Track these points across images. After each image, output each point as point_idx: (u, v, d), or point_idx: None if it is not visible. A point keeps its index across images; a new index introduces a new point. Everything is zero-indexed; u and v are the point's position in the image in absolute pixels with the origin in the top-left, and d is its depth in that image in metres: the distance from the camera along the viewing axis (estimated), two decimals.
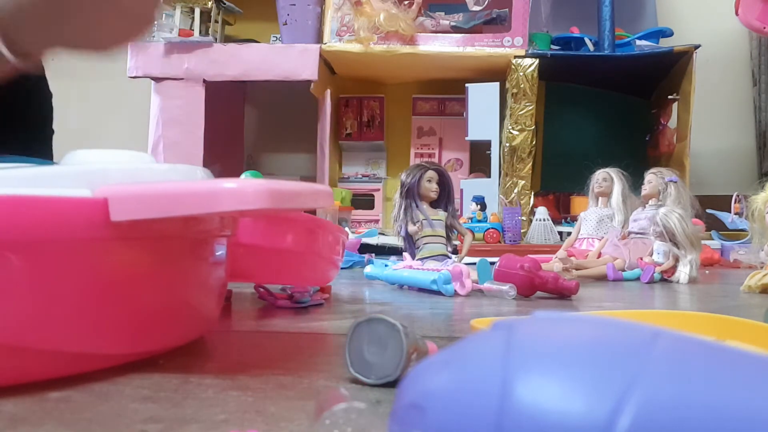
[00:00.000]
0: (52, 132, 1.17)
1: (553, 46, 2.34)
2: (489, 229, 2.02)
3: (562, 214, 2.42)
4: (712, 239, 1.98)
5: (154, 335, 0.49)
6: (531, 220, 2.15)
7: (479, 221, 2.04)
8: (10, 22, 0.59)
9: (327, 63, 2.36)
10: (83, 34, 0.64)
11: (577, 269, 1.43)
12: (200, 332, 0.58)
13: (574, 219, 1.92)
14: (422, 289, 1.05)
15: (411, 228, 1.26)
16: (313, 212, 0.59)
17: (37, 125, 1.14)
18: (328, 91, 2.36)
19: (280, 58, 2.23)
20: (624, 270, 1.42)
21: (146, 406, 0.38)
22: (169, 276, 0.48)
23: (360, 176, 2.65)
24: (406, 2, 2.28)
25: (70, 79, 2.75)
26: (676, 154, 2.29)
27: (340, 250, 0.83)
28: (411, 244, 1.28)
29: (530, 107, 2.23)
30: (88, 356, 0.44)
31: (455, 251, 1.32)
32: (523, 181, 2.27)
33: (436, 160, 2.56)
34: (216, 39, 2.30)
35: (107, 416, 0.36)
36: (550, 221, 2.11)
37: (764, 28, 2.01)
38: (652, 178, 1.61)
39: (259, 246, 0.65)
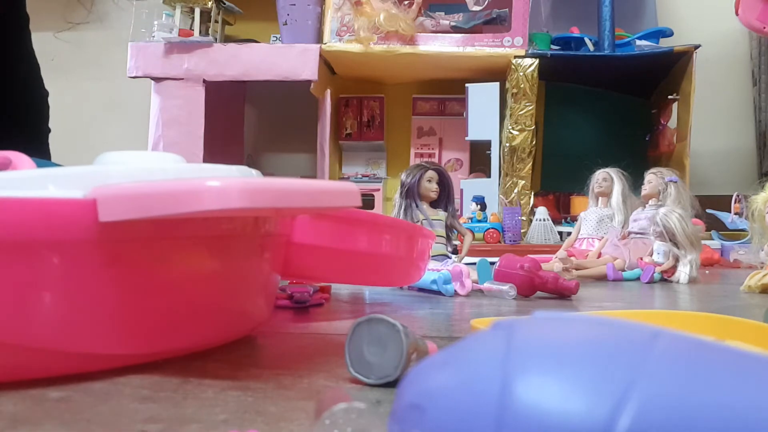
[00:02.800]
0: (49, 130, 1.17)
1: (553, 46, 2.34)
2: (489, 229, 2.02)
3: (562, 214, 2.42)
4: (712, 239, 1.98)
5: (191, 333, 0.49)
6: (531, 220, 2.15)
7: (479, 221, 2.04)
8: None
9: (327, 63, 2.36)
10: None
11: (577, 269, 1.42)
12: (245, 331, 0.59)
13: (574, 219, 1.92)
14: (422, 289, 1.05)
15: None
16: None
17: (31, 123, 1.14)
18: (328, 91, 2.36)
19: (280, 58, 2.23)
20: (624, 270, 1.42)
21: (146, 406, 0.38)
22: (193, 276, 0.49)
23: (360, 176, 2.65)
24: (406, 2, 2.28)
25: (71, 79, 2.76)
26: (676, 154, 2.29)
27: (428, 257, 0.88)
28: None
29: (530, 107, 2.23)
30: (84, 356, 0.44)
31: (455, 251, 1.32)
32: (523, 181, 2.27)
33: (436, 160, 2.56)
34: (216, 39, 2.30)
35: (107, 416, 0.36)
36: (550, 221, 2.11)
37: (764, 28, 2.00)
38: (652, 178, 1.61)
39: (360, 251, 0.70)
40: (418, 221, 1.26)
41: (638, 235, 1.54)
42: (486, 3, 2.30)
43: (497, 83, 2.27)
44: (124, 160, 0.50)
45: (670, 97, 2.33)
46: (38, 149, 1.02)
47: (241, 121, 2.80)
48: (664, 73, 2.38)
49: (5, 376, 0.42)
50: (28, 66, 1.12)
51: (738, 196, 2.08)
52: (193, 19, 2.31)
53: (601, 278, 1.40)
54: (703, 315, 0.63)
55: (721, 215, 2.08)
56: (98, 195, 0.41)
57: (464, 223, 1.99)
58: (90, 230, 0.41)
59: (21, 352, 0.41)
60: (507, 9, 2.28)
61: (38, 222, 0.40)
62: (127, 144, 2.63)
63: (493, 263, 1.05)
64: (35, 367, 0.43)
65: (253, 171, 0.56)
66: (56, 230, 0.41)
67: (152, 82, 2.26)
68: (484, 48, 2.24)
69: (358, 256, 0.71)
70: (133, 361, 0.46)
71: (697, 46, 2.20)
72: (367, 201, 2.62)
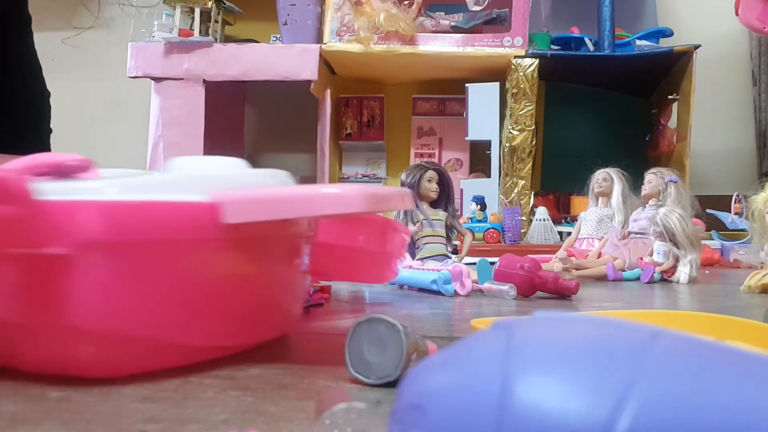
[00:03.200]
0: (50, 130, 1.16)
1: (553, 46, 2.34)
2: (489, 229, 2.02)
3: (562, 214, 2.42)
4: (712, 239, 1.98)
5: (254, 329, 0.52)
6: (531, 220, 2.15)
7: (479, 221, 2.03)
8: None
9: (327, 63, 2.36)
10: None
11: (577, 269, 1.42)
12: (286, 330, 0.60)
13: (574, 219, 1.92)
14: (422, 289, 1.05)
15: (411, 228, 1.26)
16: None
17: (32, 123, 1.14)
18: (328, 91, 2.36)
19: (280, 58, 2.23)
20: (624, 270, 1.42)
21: (146, 406, 0.38)
22: (269, 274, 0.52)
23: (360, 176, 2.65)
24: (406, 2, 2.28)
25: (71, 79, 2.76)
26: (676, 154, 2.29)
27: (404, 250, 0.86)
28: (411, 244, 1.28)
29: (530, 107, 2.23)
30: (196, 348, 0.47)
31: (455, 251, 1.32)
32: (523, 181, 2.26)
33: (436, 160, 2.56)
34: (216, 39, 2.29)
35: (107, 416, 0.36)
36: (550, 221, 2.11)
37: (764, 28, 2.00)
38: (652, 178, 1.61)
39: (335, 245, 0.69)
40: (418, 221, 1.26)
41: (638, 235, 1.54)
42: (486, 3, 2.30)
43: (497, 83, 2.27)
44: (198, 165, 0.54)
45: (670, 97, 2.33)
46: (39, 150, 1.02)
47: (241, 121, 2.80)
48: (664, 73, 2.38)
49: (133, 368, 0.44)
50: (29, 66, 1.12)
51: (738, 196, 2.08)
52: (193, 19, 2.31)
53: (601, 278, 1.40)
54: (703, 315, 0.63)
55: (721, 215, 2.08)
56: (222, 199, 0.45)
57: (464, 223, 1.99)
58: (212, 230, 0.45)
59: (152, 345, 0.44)
60: (507, 9, 2.28)
61: (173, 222, 0.44)
62: (127, 144, 2.63)
63: (493, 263, 1.05)
64: (160, 360, 0.45)
65: (283, 173, 0.58)
66: (187, 230, 0.45)
67: (152, 82, 2.26)
68: (484, 48, 2.24)
69: (332, 249, 0.71)
70: (221, 354, 0.49)
71: (697, 46, 2.20)
72: None
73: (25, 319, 0.41)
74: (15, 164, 0.45)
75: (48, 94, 1.16)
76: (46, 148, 1.12)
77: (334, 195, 0.45)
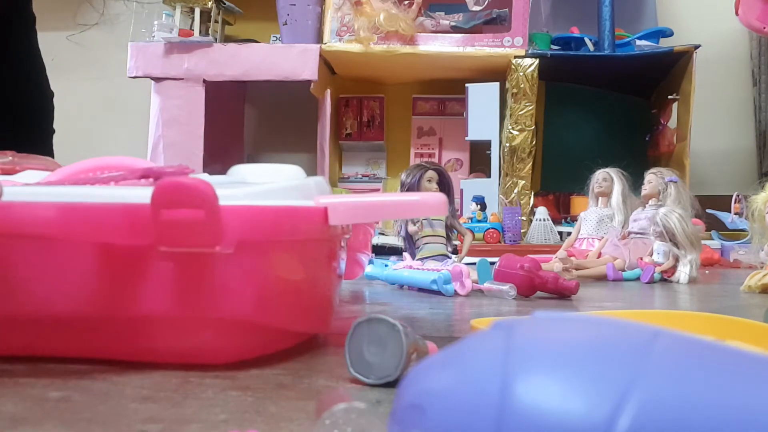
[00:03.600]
0: (53, 131, 1.16)
1: (553, 46, 2.34)
2: (489, 229, 2.02)
3: (562, 214, 2.42)
4: (712, 239, 1.98)
5: (323, 317, 0.57)
6: (531, 220, 2.15)
7: (479, 221, 2.03)
8: None
9: (327, 63, 2.36)
10: None
11: (577, 269, 1.42)
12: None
13: (574, 219, 1.92)
14: (422, 289, 1.05)
15: (411, 228, 1.26)
16: None
17: (36, 123, 1.13)
18: (328, 91, 2.36)
19: (280, 58, 2.23)
20: (624, 270, 1.42)
21: (146, 406, 0.38)
22: (333, 271, 0.59)
23: (360, 176, 2.65)
24: (406, 2, 2.28)
25: (71, 79, 2.76)
26: (676, 154, 2.29)
27: (369, 247, 0.89)
28: (411, 244, 1.28)
29: (530, 107, 2.23)
30: (293, 334, 0.53)
31: (455, 251, 1.32)
32: (523, 181, 2.26)
33: (436, 160, 2.56)
34: (216, 39, 2.29)
35: (107, 416, 0.36)
36: (550, 221, 2.11)
37: (764, 28, 2.00)
38: (652, 178, 1.61)
39: None
40: (418, 221, 1.26)
41: (638, 235, 1.54)
42: (486, 3, 2.30)
43: (497, 83, 2.27)
44: (258, 172, 0.59)
45: (670, 97, 2.33)
46: (42, 150, 1.02)
47: (241, 121, 2.80)
48: (664, 73, 2.38)
49: (255, 352, 0.49)
50: (33, 66, 1.11)
51: (738, 196, 2.08)
52: (193, 19, 2.31)
53: (601, 278, 1.40)
54: (703, 315, 0.63)
55: (721, 215, 2.08)
56: (328, 204, 0.51)
57: (464, 223, 1.99)
58: (318, 231, 0.51)
59: (269, 331, 0.49)
60: (507, 9, 2.28)
61: (294, 224, 0.49)
62: (127, 144, 2.63)
63: (493, 263, 1.05)
64: (268, 344, 0.51)
65: (319, 178, 0.63)
66: (303, 231, 0.50)
67: (152, 82, 2.26)
68: (484, 48, 2.24)
69: None
70: (300, 340, 0.55)
71: (697, 46, 2.19)
72: None
73: (175, 312, 0.45)
74: (97, 164, 0.52)
75: (52, 95, 1.16)
76: (50, 148, 1.12)
77: (418, 201, 0.55)
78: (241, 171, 0.59)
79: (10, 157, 0.62)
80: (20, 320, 0.46)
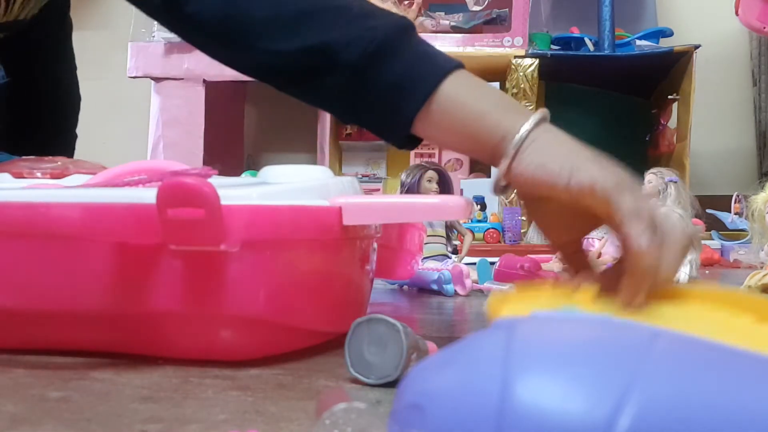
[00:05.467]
0: (76, 136, 1.15)
1: (553, 46, 2.33)
2: (489, 229, 2.02)
3: None
4: (712, 239, 1.98)
5: (346, 318, 0.57)
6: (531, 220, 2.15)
7: (479, 221, 2.03)
8: None
9: None
10: None
11: None
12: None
13: None
14: (422, 289, 1.05)
15: None
16: None
17: (66, 129, 1.13)
18: None
19: None
20: None
21: (146, 406, 0.38)
22: (357, 269, 0.59)
23: (360, 176, 2.64)
24: (406, 2, 2.28)
25: None
26: (676, 154, 2.29)
27: (422, 248, 0.90)
28: None
29: (530, 107, 2.23)
30: (313, 333, 0.54)
31: (455, 251, 1.32)
32: None
33: (436, 160, 2.55)
34: None
35: (107, 416, 0.36)
36: None
37: (764, 28, 2.00)
38: (652, 178, 1.61)
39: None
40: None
41: None
42: (486, 3, 2.30)
43: (497, 83, 2.26)
44: (284, 173, 0.60)
45: (670, 97, 2.33)
46: (65, 154, 1.02)
47: (241, 121, 2.80)
48: (664, 73, 2.38)
49: (266, 351, 0.50)
50: (70, 74, 1.11)
51: (738, 196, 2.07)
52: None
53: None
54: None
55: (721, 215, 2.08)
56: (342, 204, 0.52)
57: (464, 223, 1.99)
58: (331, 230, 0.52)
59: (281, 330, 0.50)
60: (507, 9, 2.28)
61: (307, 223, 0.50)
62: (127, 144, 2.63)
63: (493, 263, 1.05)
64: (287, 343, 0.52)
65: (351, 178, 0.63)
66: (316, 230, 0.51)
67: (152, 82, 2.26)
68: (484, 48, 2.24)
69: None
70: (324, 339, 0.55)
71: (697, 46, 2.19)
72: None
73: (186, 309, 0.47)
74: (131, 168, 0.55)
75: (79, 99, 1.15)
76: (71, 152, 1.11)
77: (439, 204, 0.55)
78: (269, 172, 0.60)
79: (59, 162, 0.65)
80: (43, 316, 0.49)
